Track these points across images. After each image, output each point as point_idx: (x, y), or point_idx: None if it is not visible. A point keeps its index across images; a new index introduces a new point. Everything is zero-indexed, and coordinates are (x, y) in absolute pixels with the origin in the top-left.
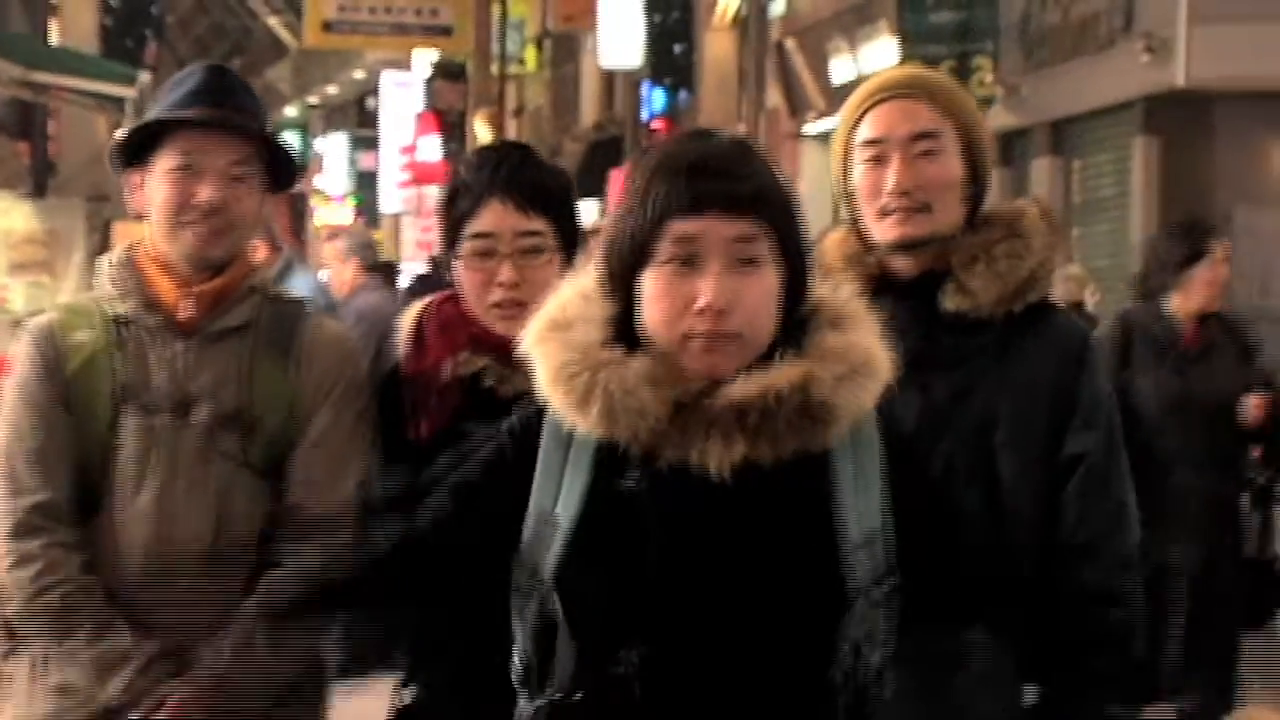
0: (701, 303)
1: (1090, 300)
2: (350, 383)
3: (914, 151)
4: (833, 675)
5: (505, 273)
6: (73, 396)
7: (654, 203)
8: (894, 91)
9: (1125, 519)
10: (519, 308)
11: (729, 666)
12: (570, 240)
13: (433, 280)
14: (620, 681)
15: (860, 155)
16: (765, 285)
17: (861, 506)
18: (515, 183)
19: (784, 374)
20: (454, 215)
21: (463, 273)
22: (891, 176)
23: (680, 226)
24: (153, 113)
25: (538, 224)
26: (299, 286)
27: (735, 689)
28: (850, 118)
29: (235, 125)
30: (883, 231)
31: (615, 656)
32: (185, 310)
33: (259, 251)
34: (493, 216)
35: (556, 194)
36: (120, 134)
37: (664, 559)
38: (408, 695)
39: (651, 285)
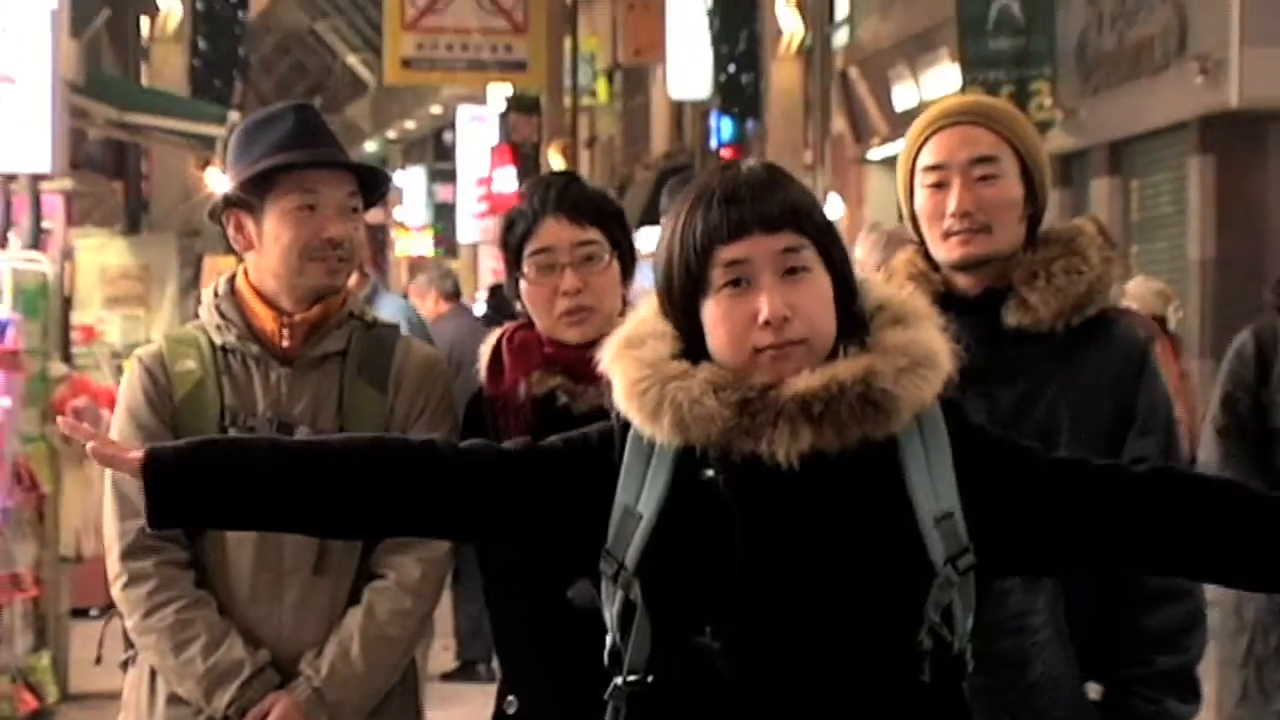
0: (763, 316)
1: (1174, 317)
2: (439, 403)
3: (974, 175)
4: (919, 644)
5: (568, 281)
6: (181, 421)
7: (698, 235)
8: (953, 119)
9: None
10: (585, 312)
11: (812, 640)
12: (625, 249)
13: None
14: (704, 658)
15: (923, 180)
16: (818, 290)
17: (935, 486)
18: (564, 200)
19: (847, 367)
20: (513, 241)
21: (529, 290)
22: (953, 200)
23: (727, 252)
24: (257, 157)
25: (591, 233)
26: (387, 309)
27: (819, 661)
28: (913, 145)
29: (341, 163)
30: (946, 252)
31: (696, 636)
32: (285, 339)
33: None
34: (549, 233)
35: (604, 206)
36: (233, 181)
37: (743, 545)
38: (513, 705)
39: (712, 312)
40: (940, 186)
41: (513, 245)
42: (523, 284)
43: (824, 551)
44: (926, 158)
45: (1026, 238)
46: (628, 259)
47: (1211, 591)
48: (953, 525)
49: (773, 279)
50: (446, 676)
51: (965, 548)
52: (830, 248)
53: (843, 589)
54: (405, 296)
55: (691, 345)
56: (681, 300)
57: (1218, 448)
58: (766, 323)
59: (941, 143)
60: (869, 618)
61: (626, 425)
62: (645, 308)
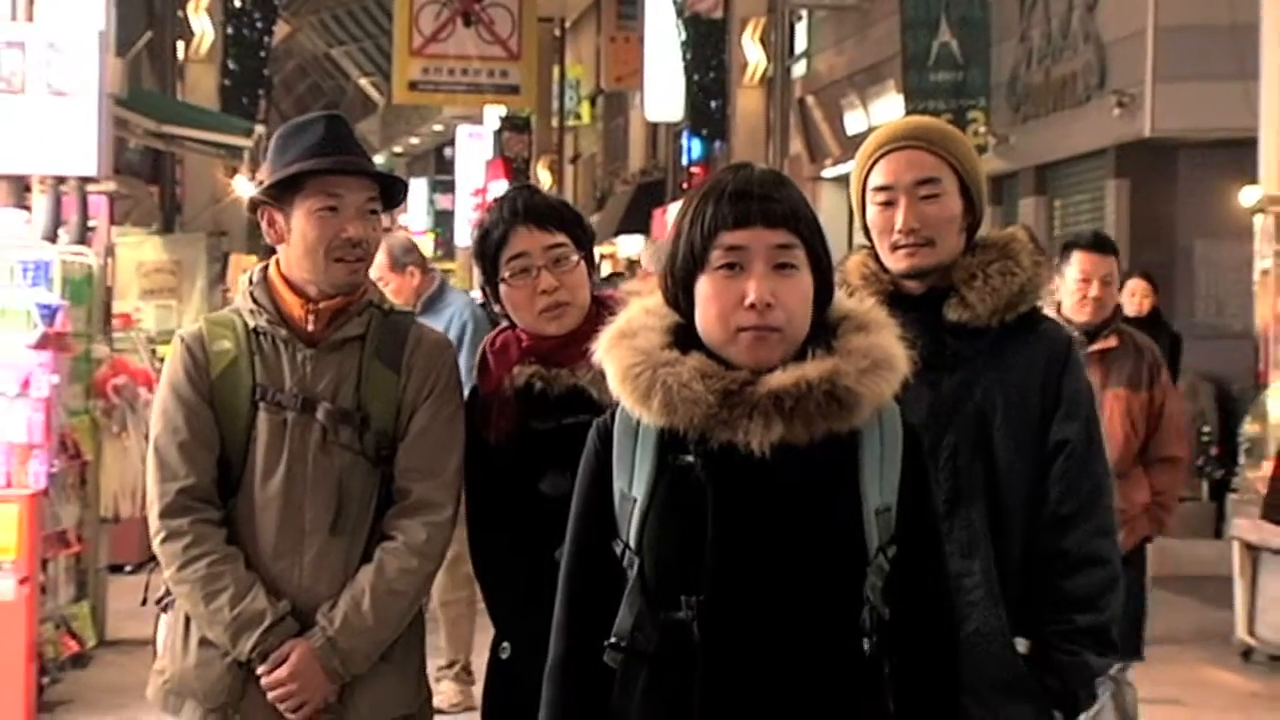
0: (750, 299)
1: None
2: (447, 384)
3: (918, 195)
4: (862, 622)
5: (545, 280)
6: (216, 395)
7: (706, 220)
8: (899, 143)
9: (1103, 494)
10: (563, 307)
11: (772, 613)
12: (587, 248)
13: None
14: (680, 625)
15: (873, 198)
16: (802, 287)
17: (882, 482)
18: (531, 210)
19: (815, 367)
20: (489, 250)
21: (509, 292)
22: (900, 218)
23: (729, 237)
24: (289, 160)
25: (559, 237)
26: (455, 302)
27: (778, 632)
28: (863, 165)
29: (366, 170)
30: (894, 262)
31: (674, 608)
32: (311, 324)
33: (414, 276)
34: (522, 240)
35: (565, 212)
36: (266, 181)
37: (717, 524)
38: (506, 650)
39: (706, 288)
40: (888, 205)
41: (489, 254)
42: (503, 287)
43: (783, 534)
44: (876, 178)
45: (965, 244)
46: (590, 257)
47: None
48: (889, 518)
49: (764, 269)
50: None
51: (893, 538)
52: (819, 254)
53: (796, 569)
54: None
55: (682, 332)
56: (682, 276)
57: None
58: (752, 305)
59: (889, 165)
60: (817, 596)
61: (613, 418)
62: (634, 306)
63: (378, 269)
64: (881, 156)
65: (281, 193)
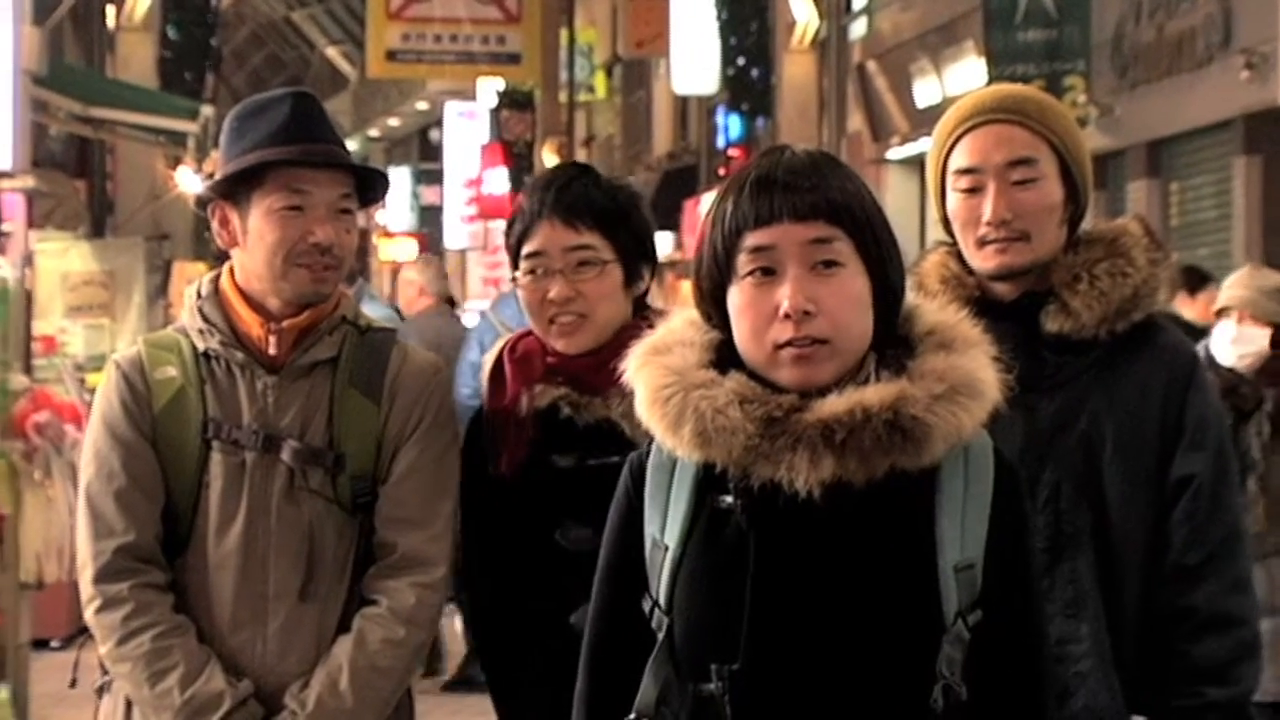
0: (783, 308)
1: None
2: (438, 415)
3: (1010, 179)
4: (934, 703)
5: (556, 289)
6: (160, 433)
7: (727, 220)
8: (987, 116)
9: (1237, 540)
10: (576, 320)
11: (819, 690)
12: (634, 252)
13: None
14: (708, 701)
15: (955, 183)
16: (849, 288)
17: (964, 533)
18: (561, 201)
19: (877, 391)
20: (513, 240)
21: (521, 294)
22: (988, 207)
23: (753, 237)
24: (247, 148)
25: (587, 238)
26: (370, 316)
27: (827, 714)
28: (943, 143)
29: (339, 161)
30: (982, 260)
31: (702, 679)
32: (272, 346)
33: None
34: (541, 236)
35: (607, 207)
36: (219, 174)
37: (757, 579)
38: None
39: (736, 300)
40: (974, 191)
41: (512, 245)
42: (518, 287)
43: (836, 595)
44: (959, 159)
45: (1067, 239)
46: (635, 262)
47: None
48: (973, 576)
49: (799, 270)
50: (447, 687)
51: (977, 601)
52: (872, 246)
53: (850, 637)
54: (392, 304)
55: (725, 348)
56: (710, 288)
57: None
58: (787, 316)
59: (974, 144)
60: (876, 672)
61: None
62: (677, 317)
63: None
64: (965, 133)
65: (237, 187)
